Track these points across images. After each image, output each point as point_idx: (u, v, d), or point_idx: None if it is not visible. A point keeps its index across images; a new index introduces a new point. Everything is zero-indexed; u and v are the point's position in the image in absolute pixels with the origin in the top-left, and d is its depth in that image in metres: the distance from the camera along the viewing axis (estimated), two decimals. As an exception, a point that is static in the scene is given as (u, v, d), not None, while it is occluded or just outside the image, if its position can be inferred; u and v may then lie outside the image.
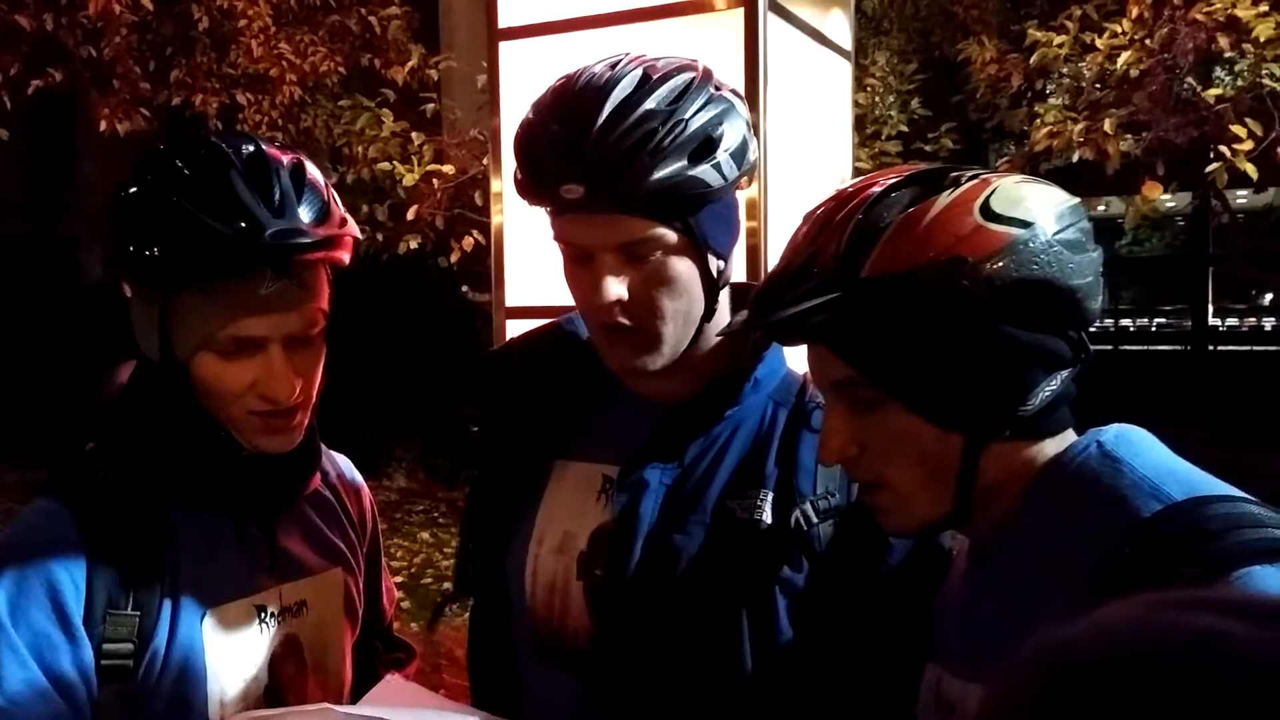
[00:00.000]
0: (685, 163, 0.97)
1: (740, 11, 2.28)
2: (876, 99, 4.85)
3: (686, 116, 0.97)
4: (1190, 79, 3.93)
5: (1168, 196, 4.82)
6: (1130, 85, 4.11)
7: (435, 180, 4.77)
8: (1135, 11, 3.92)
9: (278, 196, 1.00)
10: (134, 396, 1.10)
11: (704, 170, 0.98)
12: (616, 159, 0.95)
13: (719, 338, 1.10)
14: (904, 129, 5.00)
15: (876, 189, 0.85)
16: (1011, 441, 0.85)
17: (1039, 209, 0.82)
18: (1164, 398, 7.46)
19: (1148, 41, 3.93)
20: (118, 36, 5.24)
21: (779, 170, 2.35)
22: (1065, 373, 0.85)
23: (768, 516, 1.04)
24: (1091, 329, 0.88)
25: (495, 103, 2.53)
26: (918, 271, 0.80)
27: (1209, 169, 4.04)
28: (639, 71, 1.00)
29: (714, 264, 1.04)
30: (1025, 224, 0.81)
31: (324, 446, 1.22)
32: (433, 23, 5.55)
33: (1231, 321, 13.62)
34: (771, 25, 2.32)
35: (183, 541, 1.06)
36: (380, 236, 5.15)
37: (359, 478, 1.31)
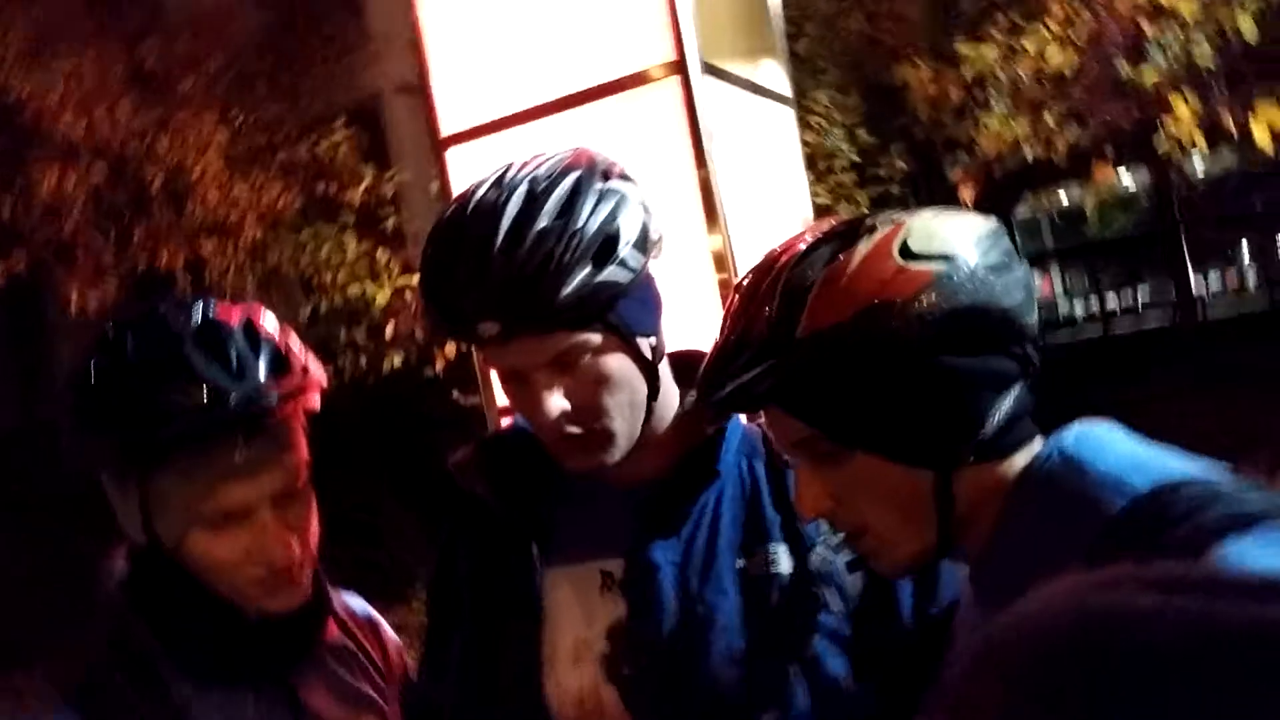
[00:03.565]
0: (590, 269, 0.97)
1: (676, 79, 2.32)
2: (824, 136, 4.92)
3: (580, 225, 0.97)
4: (1123, 65, 4.01)
5: (1125, 177, 4.89)
6: (1066, 80, 4.18)
7: (407, 293, 4.79)
8: (1057, 11, 4.01)
9: (235, 360, 0.98)
10: (133, 585, 1.07)
11: (611, 271, 0.98)
12: (522, 289, 0.95)
13: (679, 412, 1.10)
14: (855, 159, 5.06)
15: (798, 250, 0.86)
16: (979, 465, 0.85)
17: (956, 240, 0.83)
18: (1159, 374, 7.44)
19: (1074, 38, 4.01)
20: (75, 212, 5.29)
21: (740, 221, 2.37)
22: (1017, 388, 0.85)
23: (784, 567, 1.03)
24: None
25: (451, 208, 2.55)
26: (849, 323, 0.81)
27: (1158, 147, 4.09)
28: (524, 187, 0.99)
29: (644, 345, 1.04)
30: (945, 257, 0.82)
31: (332, 589, 1.18)
32: (379, 140, 5.64)
33: (1214, 287, 13.69)
34: (708, 86, 2.36)
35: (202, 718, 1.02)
36: (363, 359, 5.14)
37: (374, 614, 1.27)
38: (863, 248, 0.83)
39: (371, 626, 1.25)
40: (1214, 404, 6.00)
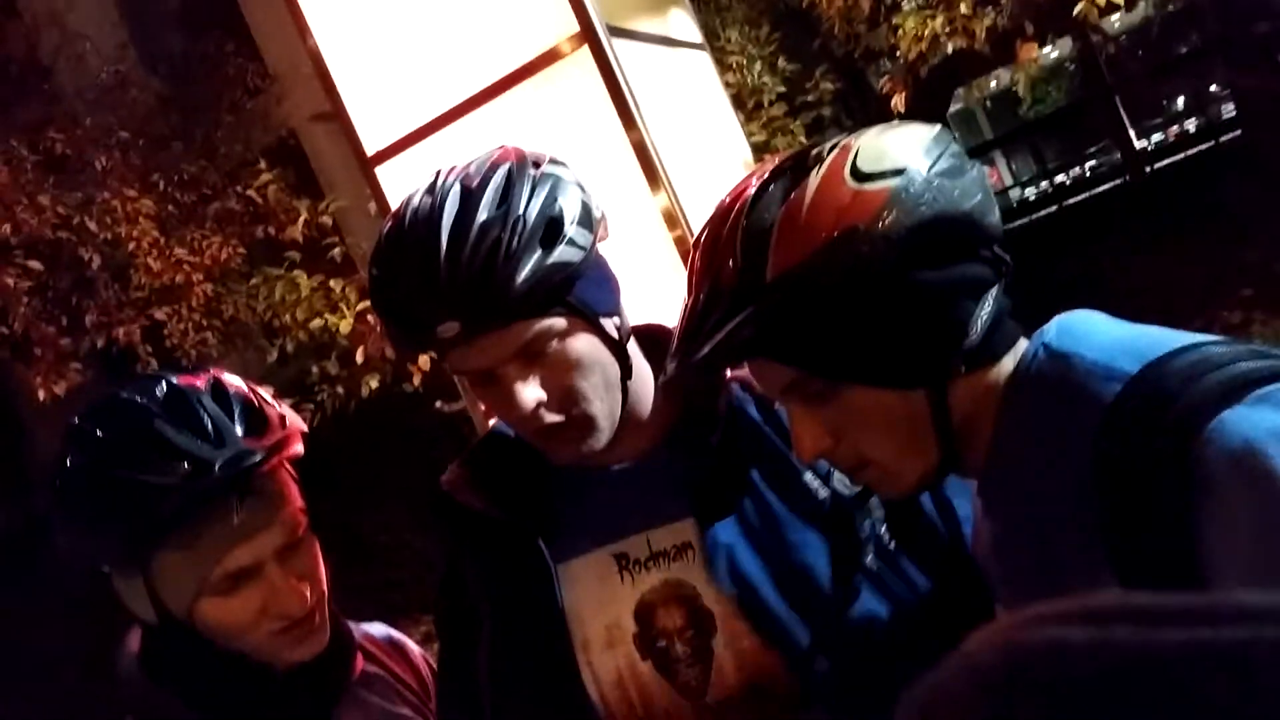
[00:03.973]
0: (540, 253, 0.96)
1: (585, 49, 2.29)
2: (745, 74, 4.89)
3: (521, 211, 0.96)
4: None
5: (1048, 49, 4.89)
6: (970, -33, 4.17)
7: (370, 317, 4.76)
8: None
9: (210, 427, 0.97)
10: (151, 660, 1.06)
11: (560, 252, 0.97)
12: (475, 283, 0.94)
13: (657, 386, 1.10)
14: (782, 90, 5.04)
15: (749, 194, 0.85)
16: (969, 375, 0.85)
17: (905, 153, 0.82)
18: (1117, 236, 7.49)
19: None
20: (21, 308, 5.21)
21: (681, 176, 2.36)
22: (993, 291, 0.85)
23: (824, 493, 1.05)
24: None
25: (393, 225, 2.53)
26: (816, 258, 0.80)
27: (1076, 9, 4.09)
28: (457, 186, 0.99)
29: (609, 325, 1.04)
30: (898, 171, 0.81)
31: (351, 624, 1.18)
32: (306, 173, 5.57)
33: (1157, 138, 13.77)
34: (619, 48, 2.33)
35: None
36: (340, 389, 5.12)
37: (395, 635, 1.28)
38: (814, 179, 0.82)
39: (397, 649, 1.25)
40: (1175, 251, 6.06)
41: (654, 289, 2.14)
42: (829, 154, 0.84)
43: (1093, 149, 14.68)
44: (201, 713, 1.03)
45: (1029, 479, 0.83)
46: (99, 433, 0.98)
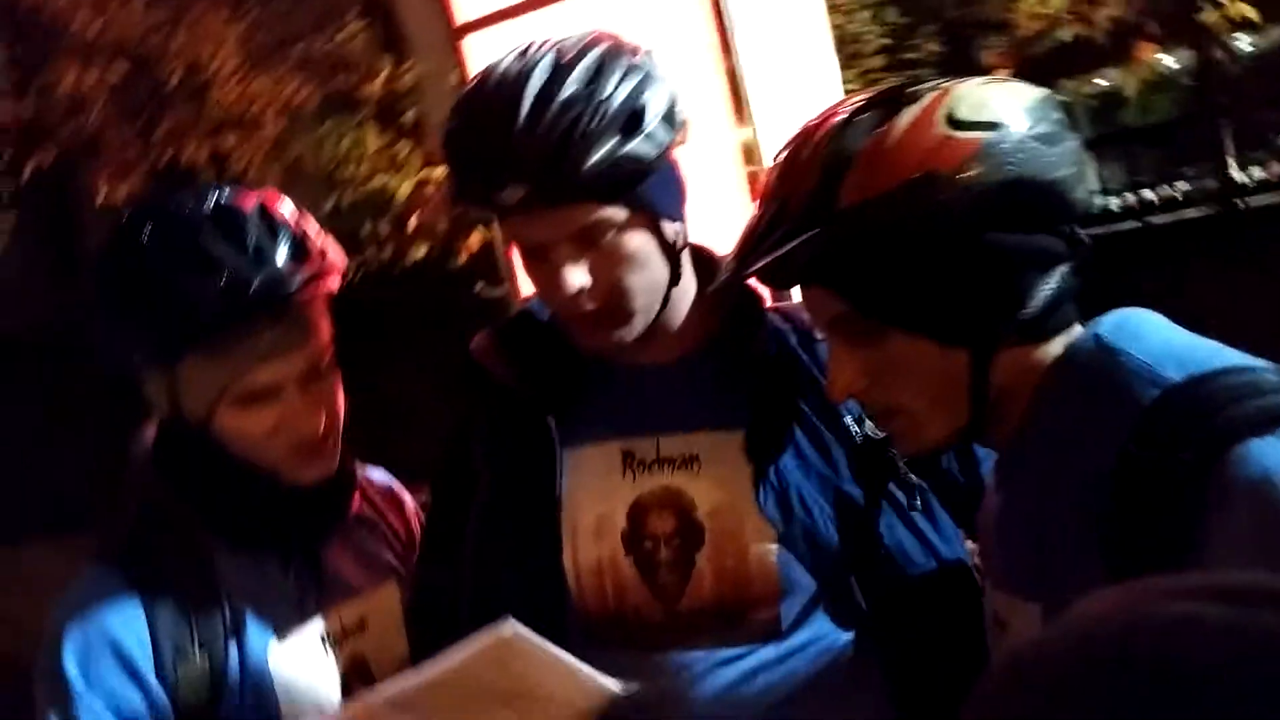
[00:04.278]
0: (617, 140, 0.96)
1: (697, -40, 2.23)
2: (850, 17, 4.75)
3: (608, 95, 0.96)
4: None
5: (1167, 58, 4.70)
6: (1107, -49, 3.99)
7: (429, 186, 4.76)
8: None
9: (252, 246, 1.00)
10: (164, 455, 1.11)
11: (637, 144, 0.97)
12: (548, 153, 0.94)
13: (704, 297, 1.11)
14: (886, 42, 4.89)
15: (837, 119, 0.84)
16: (1018, 347, 0.84)
17: (1005, 108, 0.80)
18: (1198, 265, 7.28)
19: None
20: (98, 108, 5.27)
21: (768, 110, 2.32)
22: (1063, 269, 0.83)
23: (857, 430, 1.08)
24: (1101, 201, 0.87)
25: (469, 98, 2.52)
26: (893, 194, 0.79)
27: (1204, 16, 3.92)
28: (550, 57, 0.98)
29: (669, 229, 1.04)
30: (994, 125, 0.79)
31: (359, 463, 1.22)
32: (395, 32, 5.51)
33: (1259, 174, 13.21)
34: (732, -32, 2.27)
35: (236, 581, 1.08)
36: (387, 251, 5.15)
37: (395, 485, 1.32)
38: (907, 116, 0.80)
39: (393, 497, 1.30)
40: (1255, 291, 5.88)
41: (718, 217, 2.12)
42: (926, 94, 0.82)
43: (1188, 170, 14.14)
44: (196, 512, 1.08)
45: (1049, 464, 0.83)
46: (146, 233, 1.02)
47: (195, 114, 5.50)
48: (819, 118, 0.87)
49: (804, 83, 2.73)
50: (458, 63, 2.56)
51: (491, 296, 5.16)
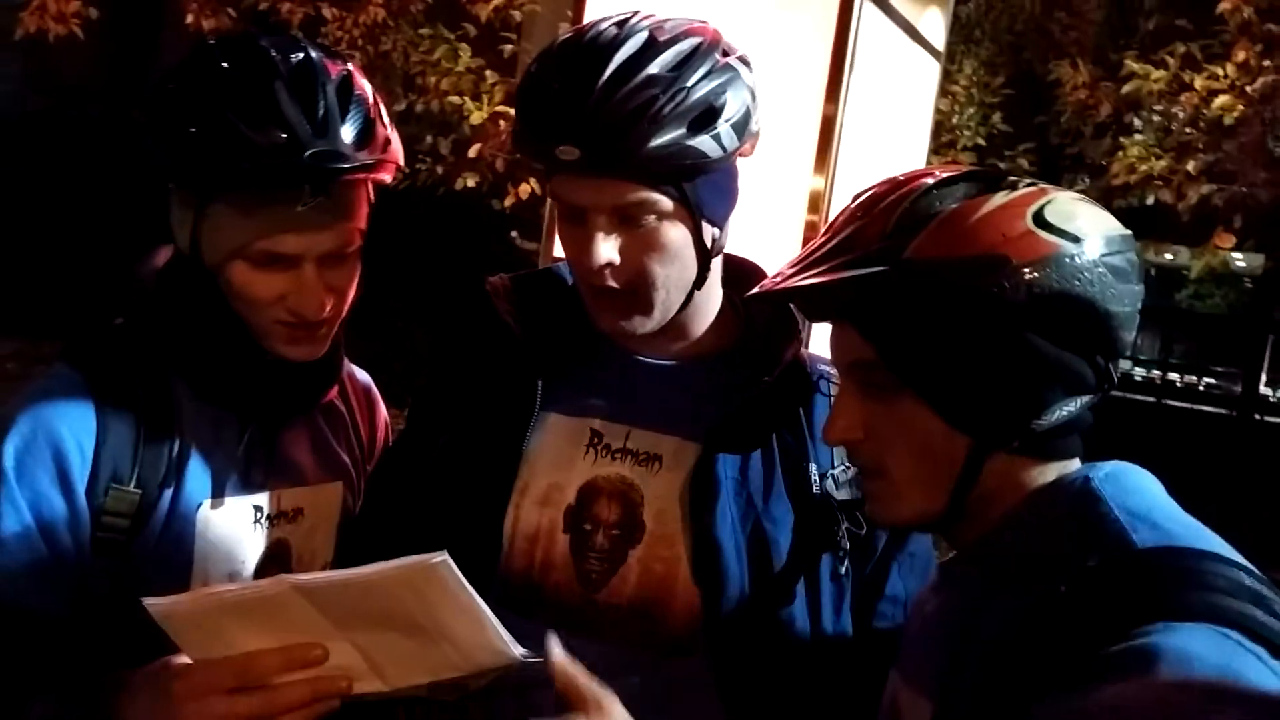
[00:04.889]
0: (684, 131, 0.96)
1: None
2: (957, 107, 4.75)
3: (689, 84, 0.96)
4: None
5: (1239, 255, 4.71)
6: (1222, 132, 3.99)
7: (502, 121, 4.76)
8: (1241, 56, 3.80)
9: (321, 113, 0.98)
10: (166, 283, 1.10)
11: (703, 140, 0.97)
12: (615, 124, 0.94)
13: (725, 310, 1.11)
14: (980, 142, 4.90)
15: (931, 179, 0.84)
16: (1017, 456, 0.84)
17: (1091, 227, 0.81)
18: (1204, 460, 7.29)
19: (1249, 89, 3.80)
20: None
21: (849, 164, 2.30)
22: (1085, 398, 0.83)
23: (818, 489, 1.07)
24: (1126, 367, 0.87)
25: (573, 50, 2.50)
26: (960, 262, 0.79)
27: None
28: (645, 33, 0.98)
29: (708, 232, 1.04)
30: (1075, 238, 0.80)
31: (347, 361, 1.21)
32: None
33: (1284, 394, 13.27)
34: (866, 13, 2.26)
35: (191, 429, 1.06)
36: (440, 170, 5.15)
37: (377, 396, 1.31)
38: (999, 198, 0.82)
39: (368, 397, 1.28)
40: (1255, 503, 5.89)
41: (763, 249, 2.11)
42: (1023, 187, 0.84)
43: (1219, 368, 14.21)
44: (174, 351, 1.06)
45: (997, 582, 0.83)
46: (223, 64, 0.99)
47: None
48: (914, 172, 0.87)
49: (891, 152, 2.72)
50: (576, 12, 2.55)
51: (524, 248, 5.15)
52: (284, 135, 0.95)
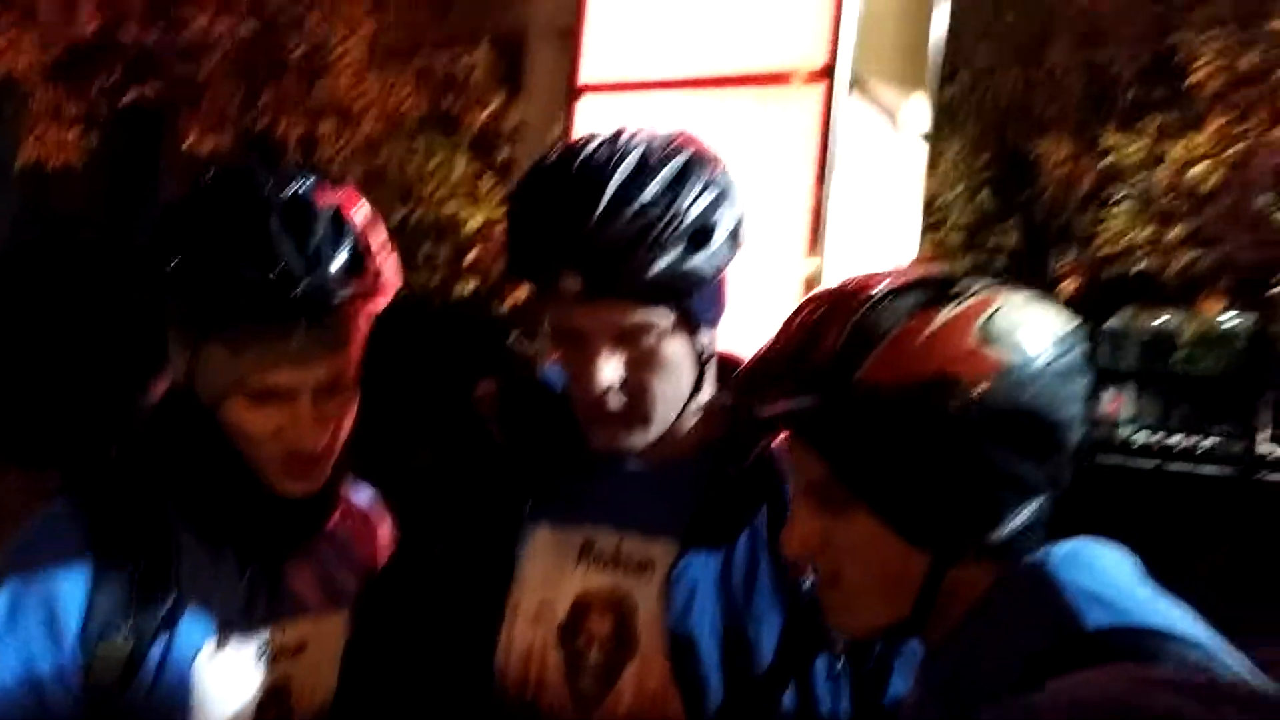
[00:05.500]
0: (683, 252, 0.97)
1: (821, 87, 2.30)
2: (948, 186, 4.86)
3: (684, 207, 0.97)
4: (1265, 197, 3.91)
5: (1228, 316, 4.77)
6: (1202, 199, 4.09)
7: (498, 226, 4.85)
8: (1215, 125, 3.92)
9: (313, 247, 0.98)
10: (163, 417, 1.08)
11: (700, 259, 0.98)
12: (615, 252, 0.95)
13: (699, 410, 1.08)
14: (970, 221, 4.99)
15: (879, 290, 0.85)
16: (977, 562, 0.84)
17: (1036, 335, 0.83)
18: (1207, 523, 7.22)
19: (1224, 155, 3.91)
20: (214, 59, 5.44)
21: (840, 250, 2.35)
22: (1040, 499, 0.84)
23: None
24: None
25: (568, 153, 2.58)
26: (909, 387, 0.80)
27: (1274, 291, 3.98)
28: (637, 155, 0.99)
29: (703, 339, 1.04)
30: (1021, 350, 0.81)
31: (349, 478, 1.17)
32: (516, 71, 5.70)
33: (1285, 451, 13.17)
34: (849, 104, 2.34)
35: (190, 572, 1.04)
36: (438, 277, 5.22)
37: (378, 509, 1.26)
38: (946, 313, 0.82)
39: (368, 520, 1.24)
40: (1256, 560, 5.80)
41: (761, 333, 2.13)
42: (969, 297, 0.84)
43: (1218, 428, 14.15)
44: (171, 486, 1.05)
45: (961, 681, 0.82)
46: (219, 197, 1.01)
47: (303, 93, 5.66)
48: (862, 280, 0.88)
49: (882, 232, 2.78)
50: (567, 118, 2.63)
51: (524, 351, 5.20)
52: (276, 270, 0.96)
